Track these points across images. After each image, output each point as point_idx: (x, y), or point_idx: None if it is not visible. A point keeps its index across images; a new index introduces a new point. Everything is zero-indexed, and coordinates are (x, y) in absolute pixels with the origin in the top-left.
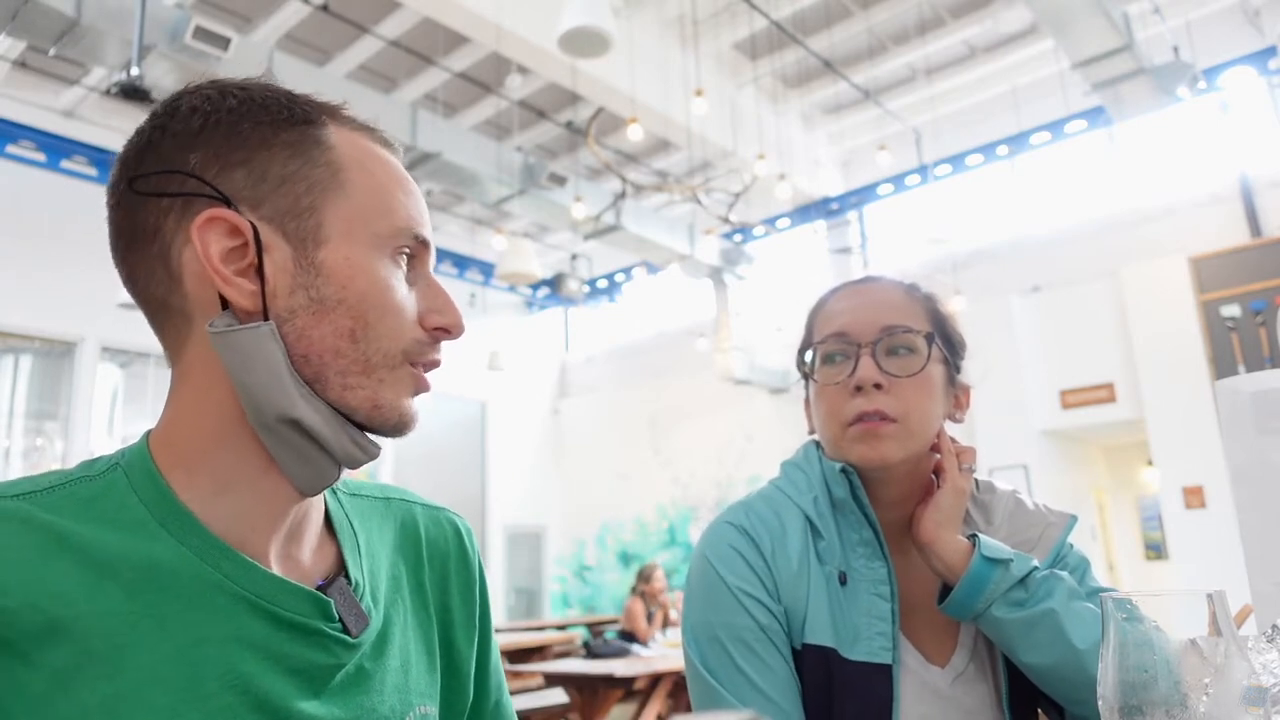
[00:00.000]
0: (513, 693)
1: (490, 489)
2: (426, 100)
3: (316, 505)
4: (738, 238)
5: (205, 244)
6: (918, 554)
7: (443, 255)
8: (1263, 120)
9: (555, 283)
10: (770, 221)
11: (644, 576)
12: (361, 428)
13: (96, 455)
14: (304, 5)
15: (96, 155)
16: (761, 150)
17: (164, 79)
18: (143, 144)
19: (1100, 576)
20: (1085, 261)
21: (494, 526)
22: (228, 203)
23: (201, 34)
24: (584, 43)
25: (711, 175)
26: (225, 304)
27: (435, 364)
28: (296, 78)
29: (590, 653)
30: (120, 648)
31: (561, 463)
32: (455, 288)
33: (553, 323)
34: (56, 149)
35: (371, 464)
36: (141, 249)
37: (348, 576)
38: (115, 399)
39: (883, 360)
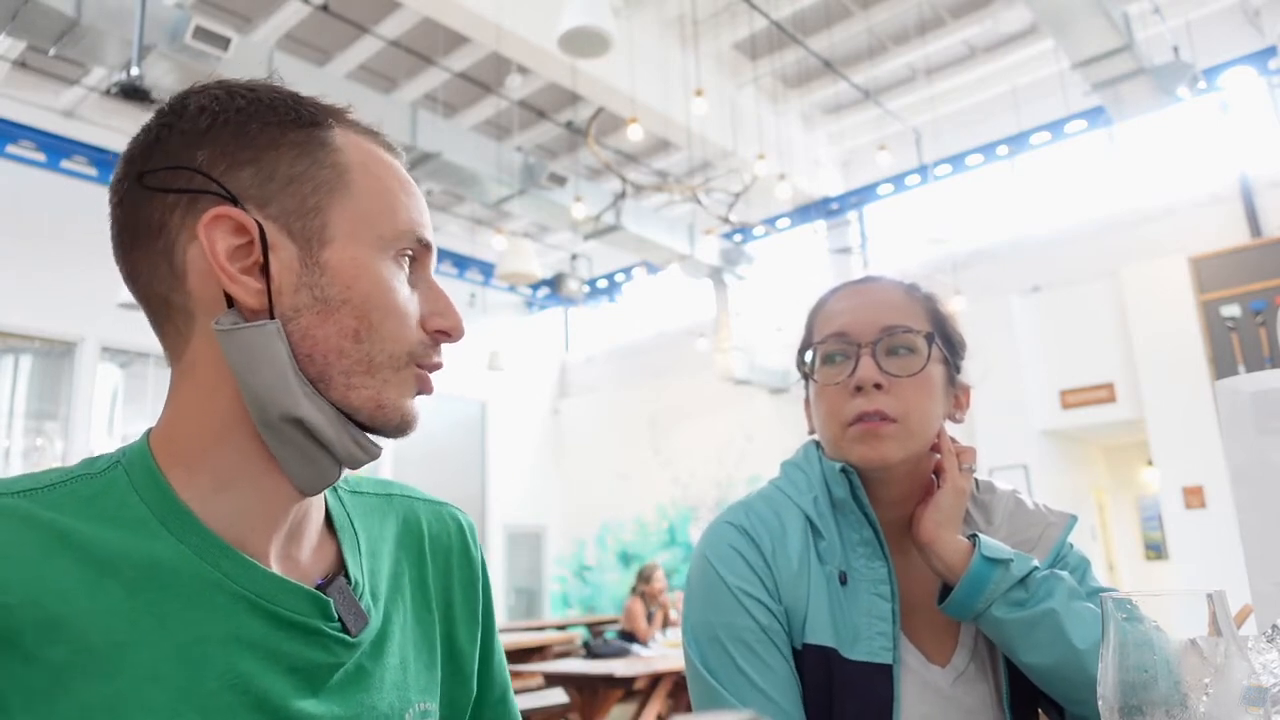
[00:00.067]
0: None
1: (490, 489)
2: (426, 100)
3: (317, 504)
4: (738, 238)
5: (212, 241)
6: (918, 554)
7: (443, 255)
8: (1263, 120)
9: (555, 283)
10: (770, 221)
11: (644, 577)
12: (364, 428)
13: (97, 454)
14: (304, 5)
15: (96, 155)
16: (761, 150)
17: (164, 79)
18: (150, 141)
19: (1100, 576)
20: (1085, 261)
21: (494, 526)
22: (235, 201)
23: (201, 34)
24: (584, 43)
25: (711, 175)
26: (230, 302)
27: (437, 366)
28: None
29: (590, 653)
30: (120, 645)
31: (561, 463)
32: (455, 288)
33: (553, 323)
34: (56, 149)
35: (372, 464)
36: (145, 245)
37: (347, 576)
38: (115, 399)
39: (883, 360)
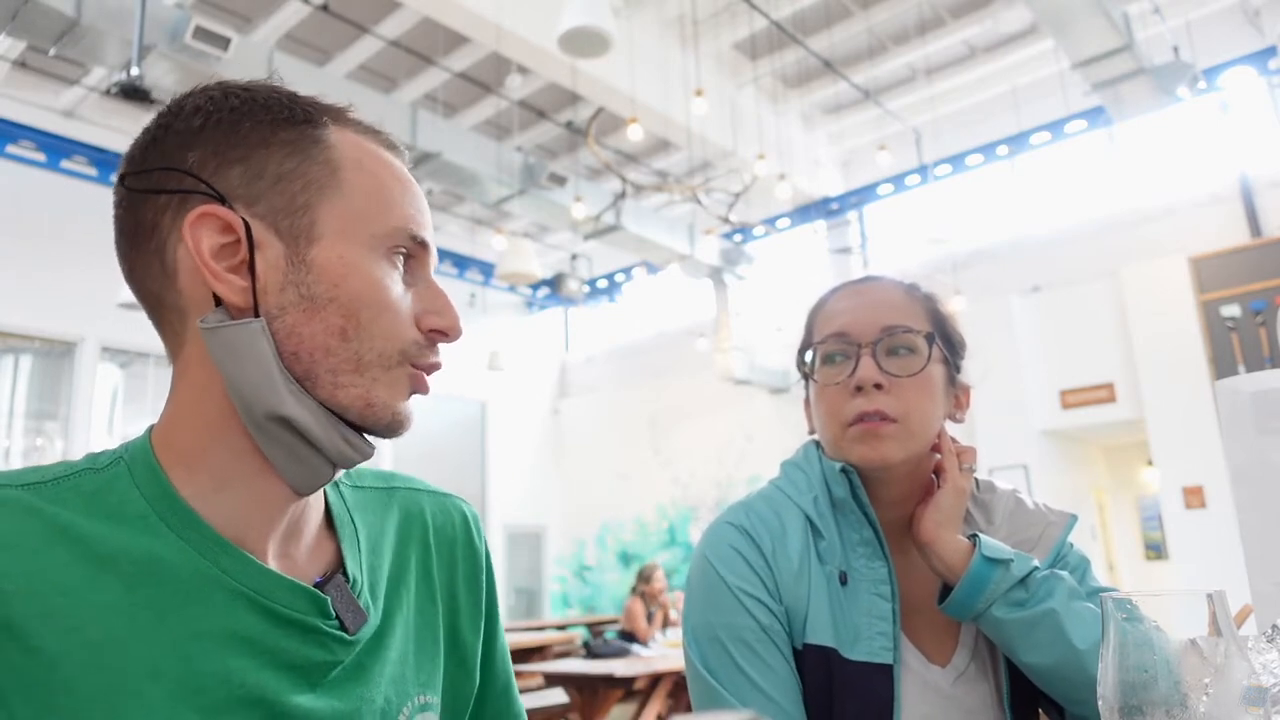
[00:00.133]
0: None
1: (490, 489)
2: (426, 100)
3: (316, 502)
4: (738, 238)
5: (197, 240)
6: (918, 554)
7: (443, 255)
8: (1263, 120)
9: (555, 283)
10: (770, 221)
11: (644, 577)
12: (354, 427)
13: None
14: (304, 5)
15: (96, 155)
16: (761, 150)
17: (164, 79)
18: (146, 142)
19: (1100, 576)
20: (1085, 261)
21: (494, 526)
22: (222, 200)
23: (201, 34)
24: (584, 43)
25: (711, 175)
26: (218, 301)
27: (435, 367)
28: (297, 78)
29: (590, 653)
30: (118, 640)
31: (561, 463)
32: (455, 288)
33: (553, 323)
34: (56, 149)
35: (371, 463)
36: (141, 246)
37: (346, 573)
38: (115, 399)
39: (883, 360)
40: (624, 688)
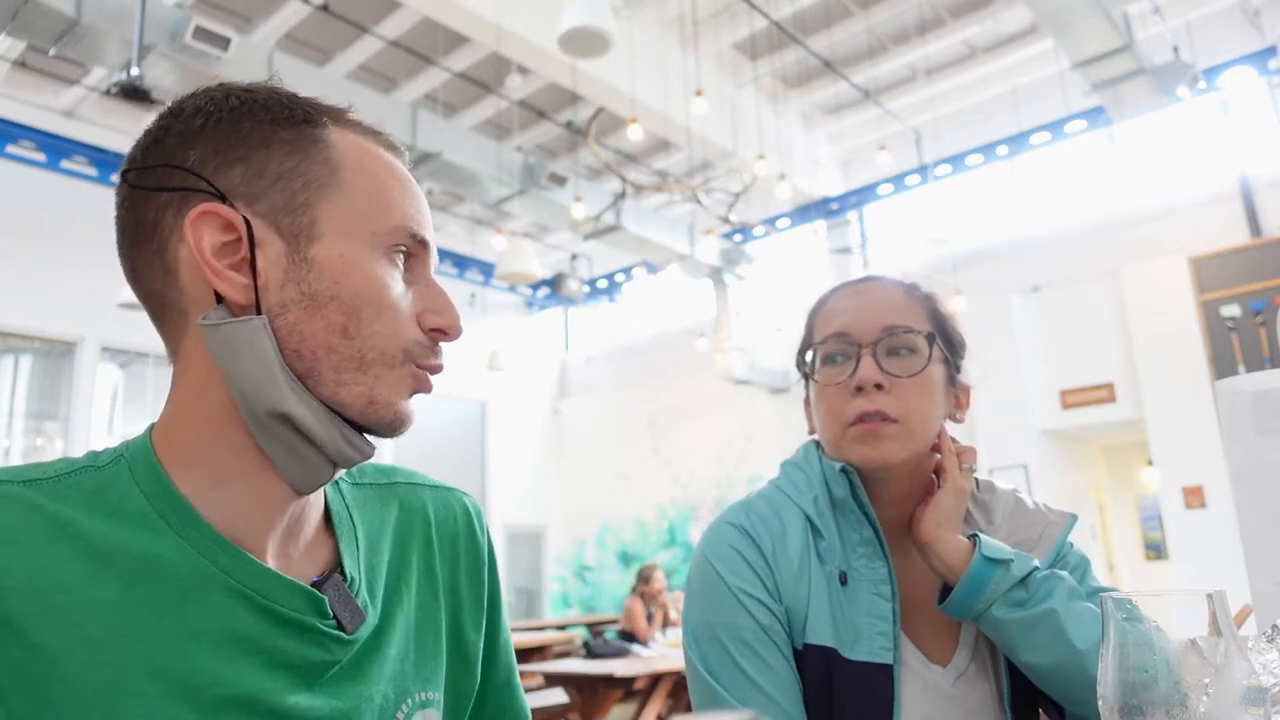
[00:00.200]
0: None
1: (490, 489)
2: (426, 100)
3: (315, 501)
4: (738, 238)
5: (198, 238)
6: (918, 554)
7: (443, 255)
8: (1263, 120)
9: (555, 283)
10: (770, 221)
11: (643, 577)
12: (355, 425)
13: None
14: (304, 5)
15: (96, 155)
16: (761, 150)
17: (164, 79)
18: (148, 142)
19: (1100, 576)
20: (1085, 261)
21: (494, 526)
22: (223, 198)
23: (201, 34)
24: (584, 43)
25: (711, 175)
26: (219, 299)
27: (437, 368)
28: (297, 78)
29: (590, 653)
30: (116, 637)
31: (561, 463)
32: (455, 288)
33: (553, 323)
34: (56, 149)
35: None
36: (142, 245)
37: (344, 573)
38: (115, 399)
39: (883, 360)
40: (624, 688)
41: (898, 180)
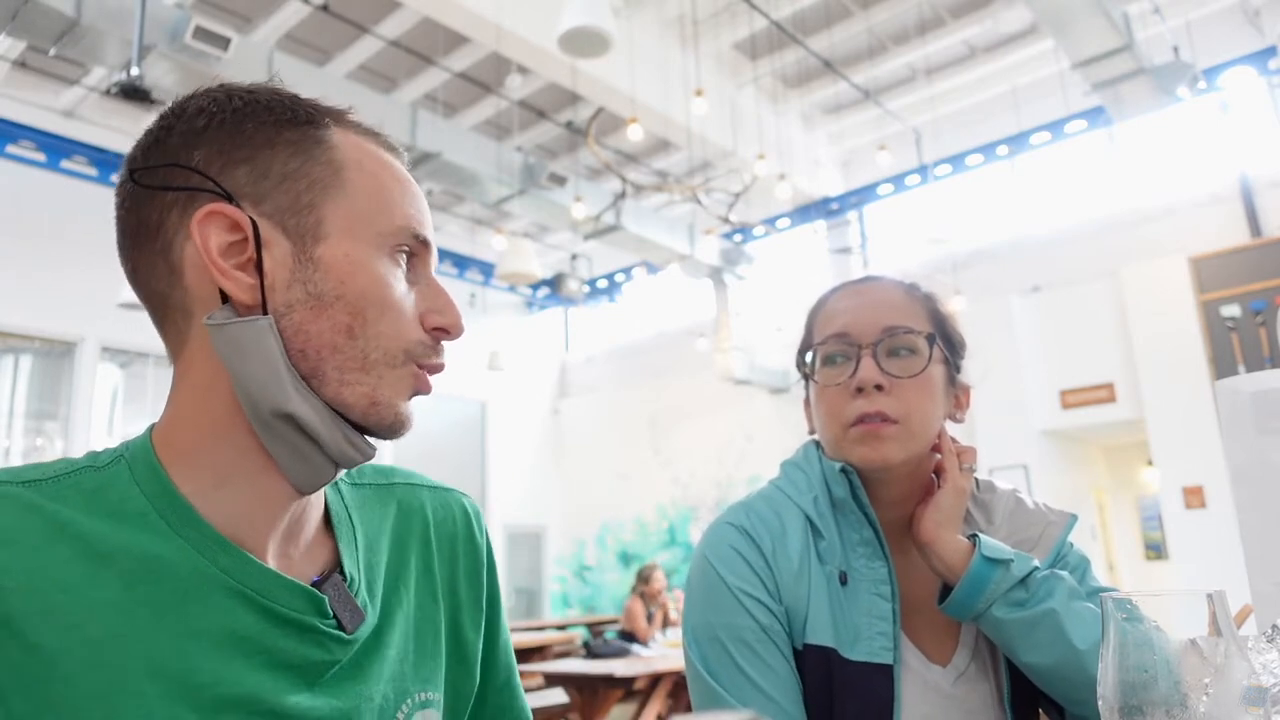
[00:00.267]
0: None
1: (490, 489)
2: (426, 100)
3: (316, 502)
4: (738, 238)
5: (205, 238)
6: (918, 554)
7: (443, 255)
8: (1263, 120)
9: (555, 283)
10: (770, 221)
11: (643, 577)
12: (357, 426)
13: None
14: (304, 5)
15: (96, 155)
16: (761, 150)
17: (164, 79)
18: (150, 143)
19: (1100, 576)
20: (1085, 261)
21: (494, 526)
22: (229, 198)
23: (201, 34)
24: (584, 43)
25: (711, 175)
26: (225, 299)
27: (438, 368)
28: (297, 78)
29: (590, 653)
30: (116, 637)
31: (561, 463)
32: (455, 288)
33: (553, 323)
34: (56, 149)
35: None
36: (145, 245)
37: (344, 572)
38: (115, 399)
39: (884, 361)
40: (624, 688)
41: (898, 180)
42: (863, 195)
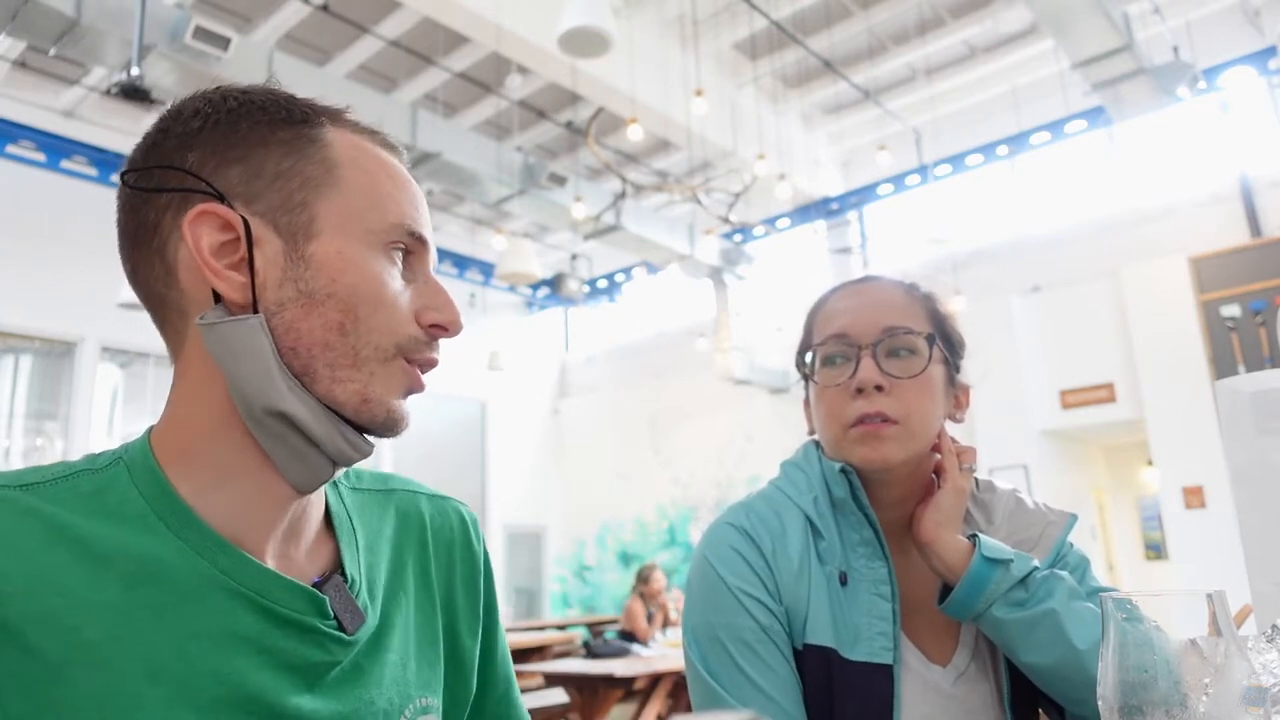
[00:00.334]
0: None
1: (490, 489)
2: (426, 100)
3: (316, 502)
4: (738, 238)
5: (196, 237)
6: (918, 554)
7: (443, 255)
8: (1263, 120)
9: (555, 283)
10: (770, 221)
11: (643, 577)
12: (352, 424)
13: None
14: (304, 5)
15: (96, 155)
16: (761, 150)
17: (164, 79)
18: (147, 146)
19: (1100, 576)
20: (1085, 261)
21: (494, 526)
22: (221, 198)
23: (201, 34)
24: (584, 43)
25: (711, 175)
26: (218, 298)
27: (432, 363)
28: (296, 78)
29: (590, 653)
30: (116, 639)
31: (561, 463)
32: (455, 288)
33: (553, 323)
34: (56, 149)
35: (371, 464)
36: (143, 246)
37: (344, 574)
38: (115, 399)
39: (884, 361)
40: (624, 688)
41: (898, 180)
42: (863, 195)
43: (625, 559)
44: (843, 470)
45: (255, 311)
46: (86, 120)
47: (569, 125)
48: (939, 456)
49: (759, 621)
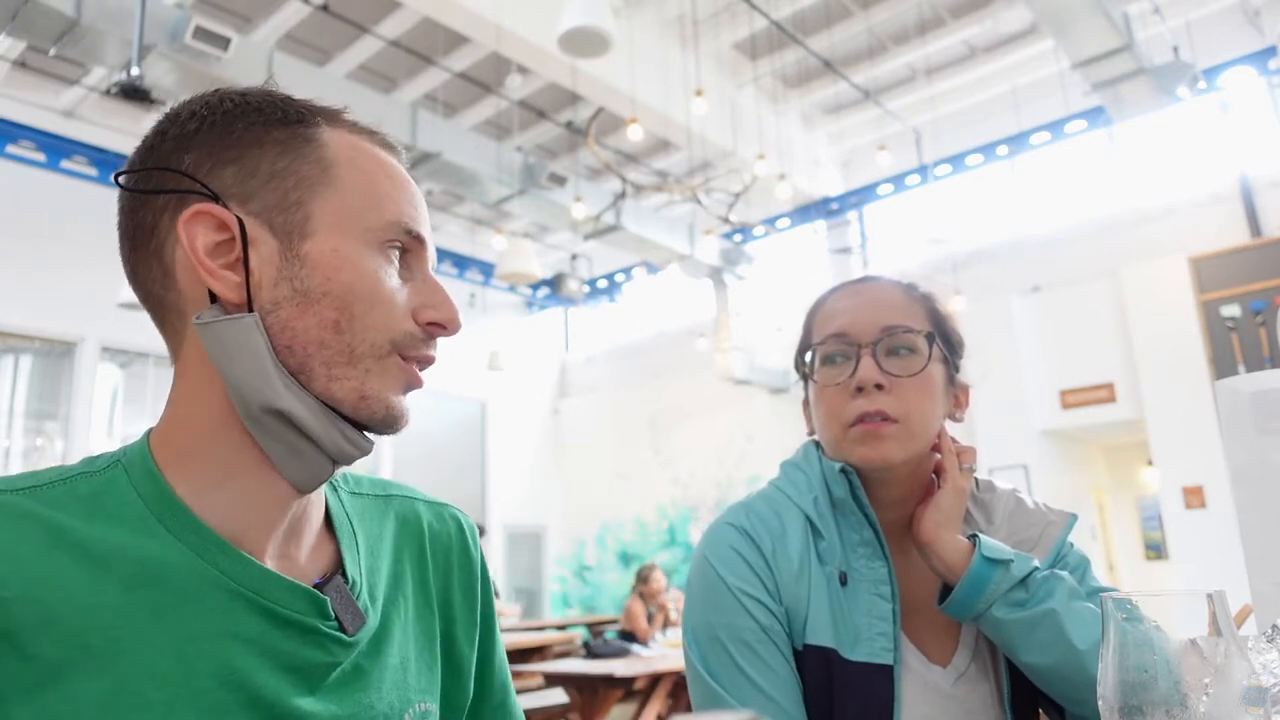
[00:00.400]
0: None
1: (490, 489)
2: (426, 100)
3: (316, 504)
4: (738, 238)
5: (191, 237)
6: (918, 554)
7: (443, 255)
8: (1263, 120)
9: (555, 283)
10: (770, 221)
11: (643, 577)
12: (351, 422)
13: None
14: (304, 5)
15: (96, 155)
16: (761, 150)
17: (164, 79)
18: (145, 148)
19: (1100, 576)
20: (1085, 261)
21: (494, 526)
22: (216, 198)
23: (201, 34)
24: (584, 43)
25: (711, 175)
26: (214, 298)
27: (429, 360)
28: (296, 78)
29: (590, 653)
30: (116, 642)
31: (561, 463)
32: (455, 288)
33: (553, 323)
34: (56, 149)
35: (371, 464)
36: (141, 248)
37: (345, 575)
38: (115, 399)
39: (883, 360)
40: (624, 688)
41: (898, 180)
42: (863, 195)
43: (625, 559)
44: (843, 470)
45: (250, 310)
46: (86, 120)
47: (569, 125)
48: (939, 456)
49: (759, 622)
